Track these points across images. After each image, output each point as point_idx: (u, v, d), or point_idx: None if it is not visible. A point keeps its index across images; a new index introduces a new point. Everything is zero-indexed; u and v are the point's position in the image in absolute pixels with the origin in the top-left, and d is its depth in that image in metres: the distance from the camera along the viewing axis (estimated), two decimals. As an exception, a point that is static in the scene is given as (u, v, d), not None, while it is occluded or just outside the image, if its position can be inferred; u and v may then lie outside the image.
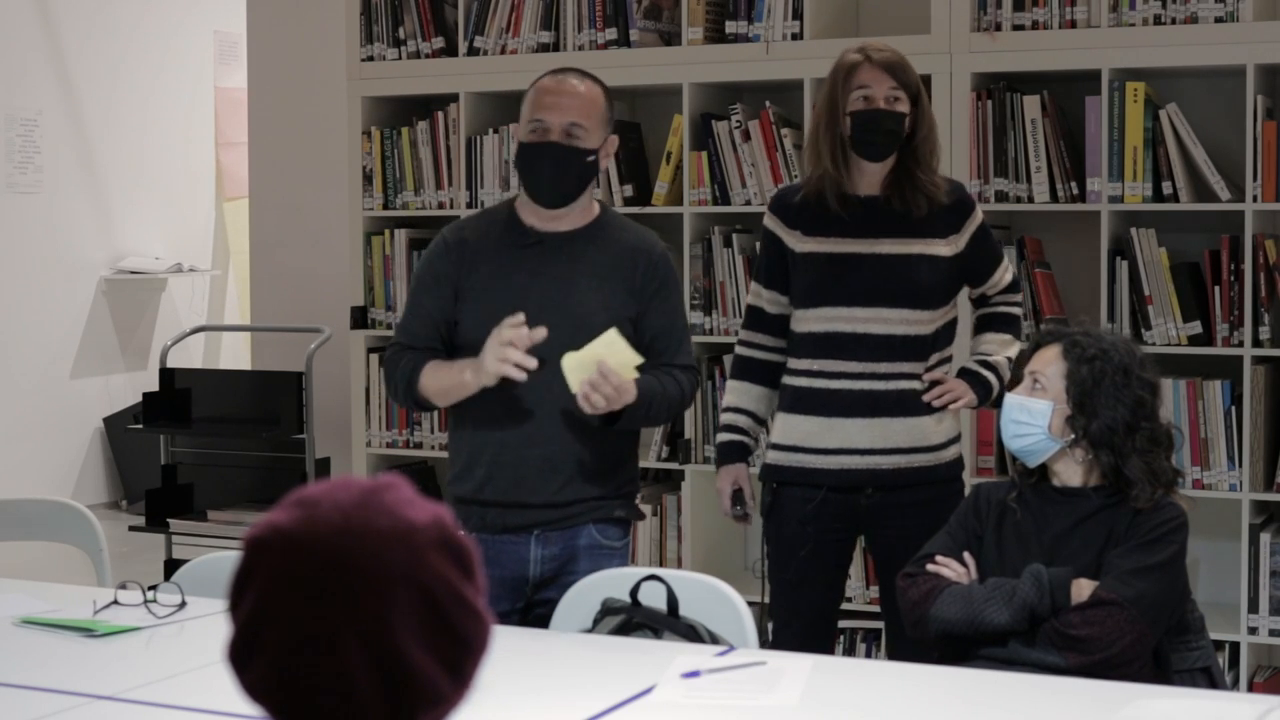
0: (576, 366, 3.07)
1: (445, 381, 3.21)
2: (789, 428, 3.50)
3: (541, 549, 3.21)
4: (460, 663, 1.37)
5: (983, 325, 3.64)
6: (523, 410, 3.19)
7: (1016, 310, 3.64)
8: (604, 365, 3.05)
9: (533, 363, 3.06)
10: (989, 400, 3.55)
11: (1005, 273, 3.61)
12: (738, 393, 3.59)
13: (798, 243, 3.50)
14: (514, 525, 3.23)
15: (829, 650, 3.61)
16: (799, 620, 3.50)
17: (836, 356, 3.44)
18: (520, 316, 3.10)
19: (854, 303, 3.43)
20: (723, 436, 3.60)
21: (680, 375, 3.28)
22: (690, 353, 3.35)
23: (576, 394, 3.08)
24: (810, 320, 3.47)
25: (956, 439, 3.54)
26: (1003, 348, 3.57)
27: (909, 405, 3.45)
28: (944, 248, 3.46)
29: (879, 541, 3.53)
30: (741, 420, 3.58)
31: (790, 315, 3.52)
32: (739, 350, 3.62)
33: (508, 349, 3.06)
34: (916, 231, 3.44)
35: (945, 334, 3.52)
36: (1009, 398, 3.05)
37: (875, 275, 3.43)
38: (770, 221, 3.56)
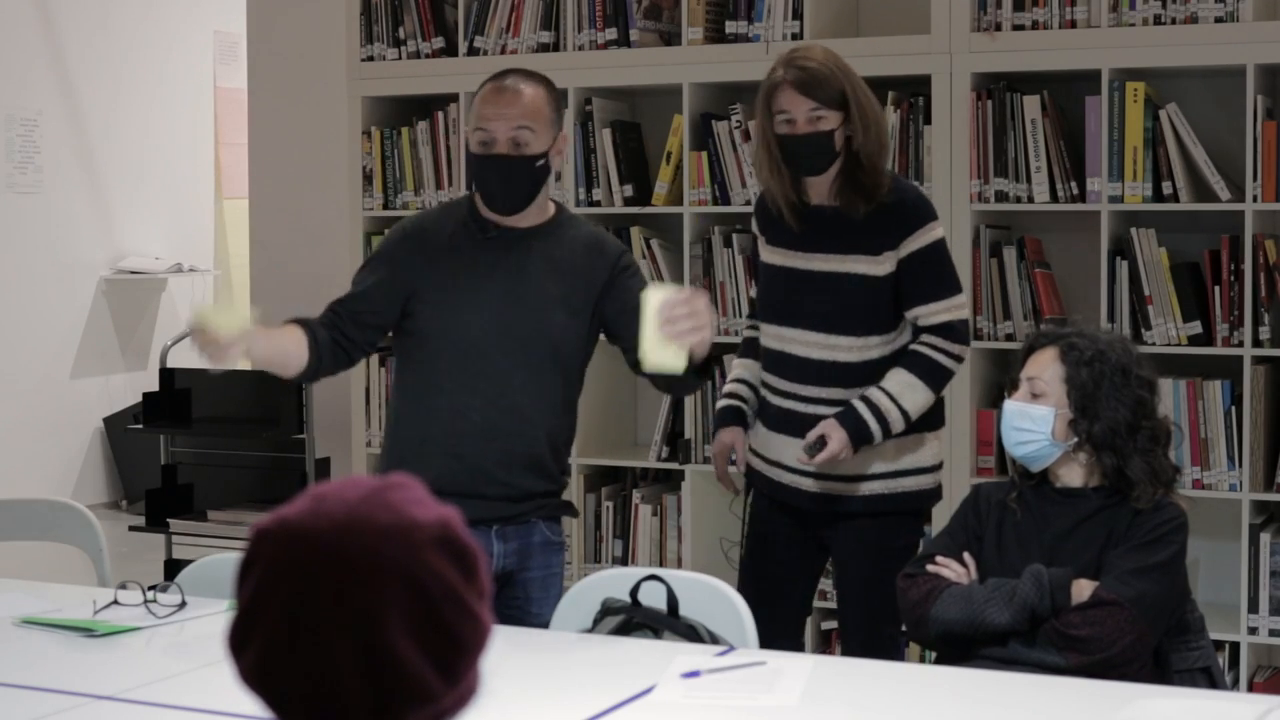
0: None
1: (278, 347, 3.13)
2: (753, 430, 3.59)
3: (502, 544, 3.21)
4: (453, 662, 1.36)
5: (897, 362, 3.39)
6: (480, 404, 3.18)
7: (940, 358, 3.36)
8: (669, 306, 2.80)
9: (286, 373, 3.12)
10: (866, 443, 3.34)
11: (946, 313, 3.37)
12: (741, 367, 3.67)
13: (762, 249, 3.56)
14: (474, 518, 3.22)
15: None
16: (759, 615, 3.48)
17: (771, 371, 3.51)
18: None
19: (781, 321, 3.47)
20: (722, 403, 3.67)
21: None
22: None
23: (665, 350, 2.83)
24: (762, 330, 3.55)
25: (891, 475, 3.41)
26: (903, 390, 3.33)
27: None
28: (874, 267, 3.36)
29: (832, 551, 3.59)
30: (742, 389, 3.64)
31: None
32: (745, 333, 3.72)
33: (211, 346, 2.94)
34: (852, 247, 3.37)
35: (879, 366, 3.37)
36: (1008, 405, 3.04)
37: (798, 294, 3.43)
38: (753, 224, 3.63)
